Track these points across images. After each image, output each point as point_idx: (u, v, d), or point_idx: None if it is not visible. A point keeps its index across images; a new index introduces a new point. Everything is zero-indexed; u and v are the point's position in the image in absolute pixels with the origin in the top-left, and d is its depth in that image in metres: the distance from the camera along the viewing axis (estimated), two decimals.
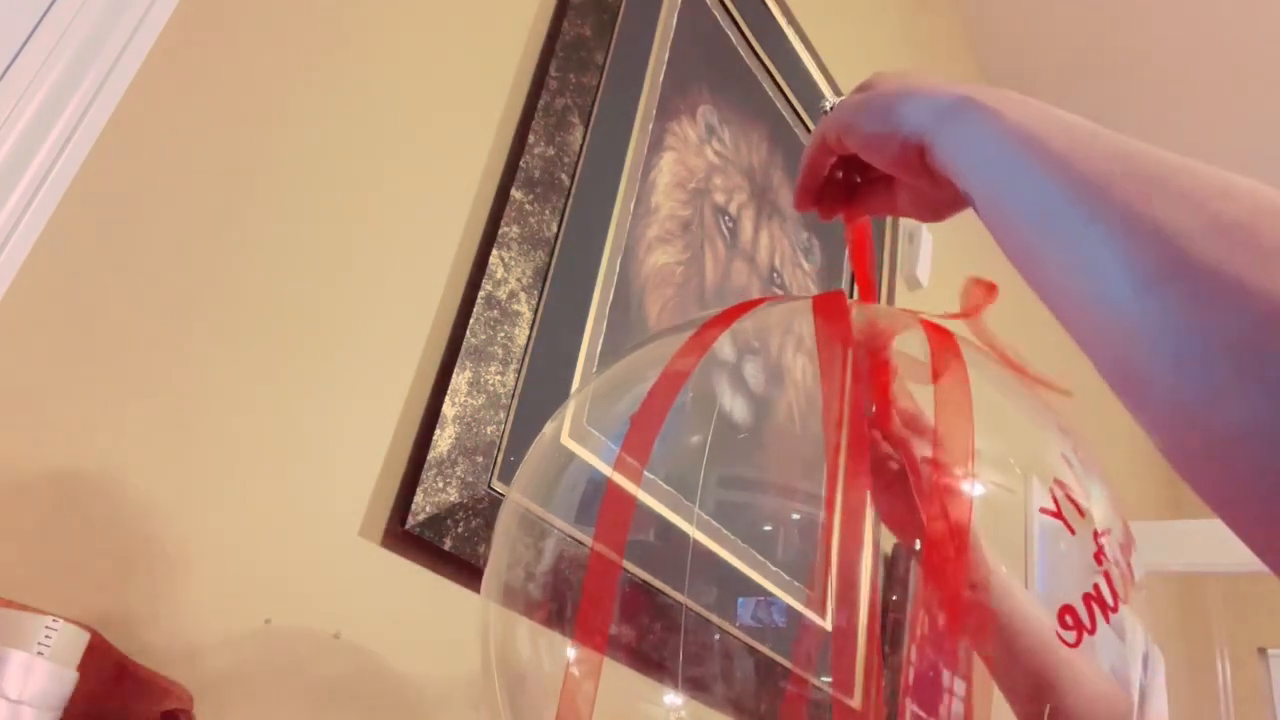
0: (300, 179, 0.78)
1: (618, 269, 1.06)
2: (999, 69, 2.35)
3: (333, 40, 0.82)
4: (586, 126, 1.04)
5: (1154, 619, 3.13)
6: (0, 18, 0.61)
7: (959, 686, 0.54)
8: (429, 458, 0.81)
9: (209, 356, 0.70)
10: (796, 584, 1.10)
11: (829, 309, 0.55)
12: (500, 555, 0.59)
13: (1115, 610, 0.48)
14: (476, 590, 0.82)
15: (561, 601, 0.56)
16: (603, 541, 0.51)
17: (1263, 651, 3.43)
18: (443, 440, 0.82)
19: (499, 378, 0.88)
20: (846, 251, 1.57)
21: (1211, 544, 2.29)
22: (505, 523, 0.60)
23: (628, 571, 0.59)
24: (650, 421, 0.52)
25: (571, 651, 0.51)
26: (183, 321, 0.69)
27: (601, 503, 0.53)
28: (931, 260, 1.81)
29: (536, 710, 0.53)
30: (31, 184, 0.60)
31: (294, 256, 0.76)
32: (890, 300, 1.65)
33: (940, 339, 0.56)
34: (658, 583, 0.67)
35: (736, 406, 0.86)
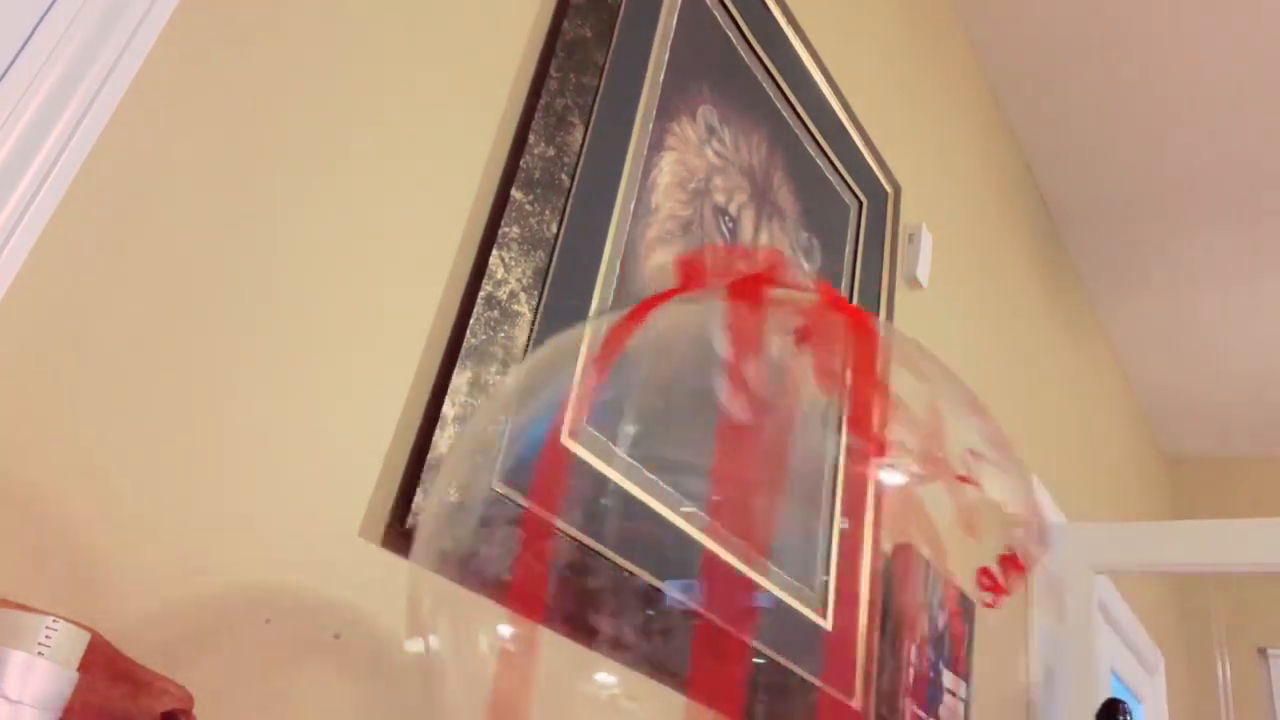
0: (300, 178, 0.78)
1: (618, 269, 1.05)
2: (1000, 67, 2.35)
3: (333, 40, 0.82)
4: (586, 126, 1.04)
5: (1154, 619, 3.12)
6: (0, 18, 0.61)
7: (960, 687, 0.55)
8: (429, 458, 0.80)
9: (209, 356, 0.70)
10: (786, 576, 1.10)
11: (745, 294, 0.54)
12: (436, 518, 0.58)
13: (1030, 571, 0.49)
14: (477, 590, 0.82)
15: (500, 569, 0.56)
16: (538, 501, 0.50)
17: (1263, 651, 3.43)
18: (443, 440, 0.82)
19: (499, 378, 0.88)
20: (846, 256, 1.58)
21: (1211, 544, 2.29)
22: (443, 483, 0.59)
23: (587, 546, 0.58)
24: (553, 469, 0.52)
25: (507, 621, 0.50)
26: (182, 321, 0.69)
27: (537, 464, 0.53)
28: (931, 260, 1.81)
29: (460, 685, 0.53)
30: (31, 184, 0.60)
31: (294, 256, 0.76)
32: (890, 301, 1.65)
33: (857, 323, 0.56)
34: (596, 545, 0.66)
35: (735, 405, 0.86)
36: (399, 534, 0.79)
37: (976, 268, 2.17)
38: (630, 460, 0.62)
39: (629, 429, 0.61)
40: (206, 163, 0.72)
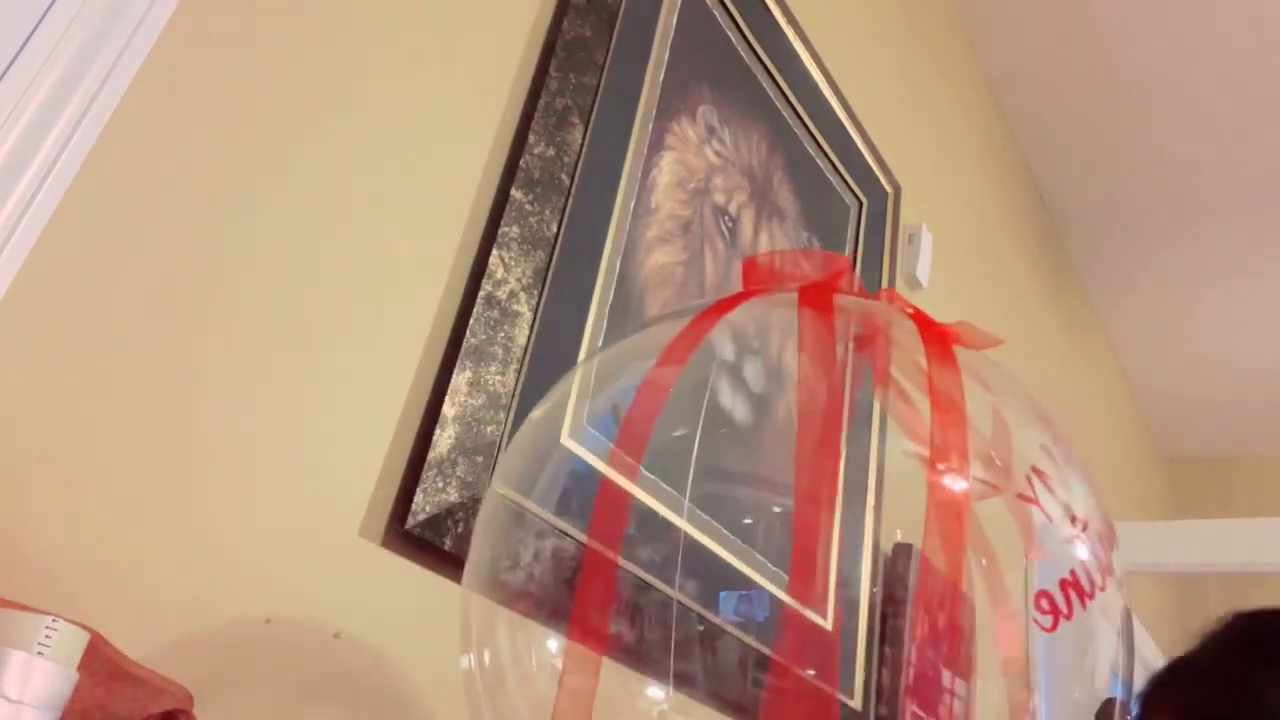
0: (300, 178, 0.78)
1: (618, 269, 1.05)
2: (999, 68, 2.35)
3: (333, 40, 0.82)
4: (586, 126, 1.04)
5: (1154, 619, 3.12)
6: (0, 18, 0.61)
7: (959, 686, 0.54)
8: (429, 458, 0.81)
9: (208, 356, 0.70)
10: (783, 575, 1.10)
11: (815, 301, 0.54)
12: (484, 545, 0.59)
13: (1092, 597, 0.49)
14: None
15: (550, 595, 0.56)
16: (598, 539, 0.50)
17: None
18: (443, 440, 0.82)
19: (499, 378, 0.88)
20: (846, 256, 1.57)
21: (1211, 544, 2.29)
22: (489, 512, 0.59)
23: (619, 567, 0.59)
24: (640, 430, 0.52)
25: (565, 648, 0.51)
26: (182, 321, 0.69)
27: (596, 499, 0.53)
28: (931, 260, 1.81)
29: (514, 705, 0.53)
30: (31, 184, 0.60)
31: (294, 256, 0.76)
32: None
33: (932, 333, 0.56)
34: (648, 577, 0.66)
35: (736, 406, 0.86)
36: (399, 534, 0.79)
37: (976, 268, 2.17)
38: (693, 507, 0.62)
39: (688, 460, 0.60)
40: (206, 162, 0.72)
